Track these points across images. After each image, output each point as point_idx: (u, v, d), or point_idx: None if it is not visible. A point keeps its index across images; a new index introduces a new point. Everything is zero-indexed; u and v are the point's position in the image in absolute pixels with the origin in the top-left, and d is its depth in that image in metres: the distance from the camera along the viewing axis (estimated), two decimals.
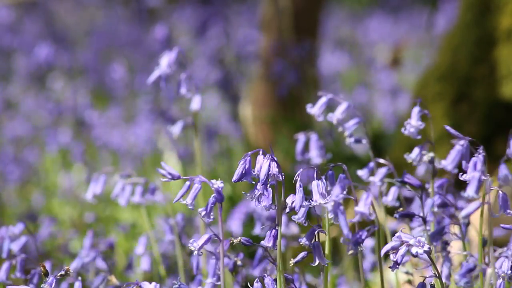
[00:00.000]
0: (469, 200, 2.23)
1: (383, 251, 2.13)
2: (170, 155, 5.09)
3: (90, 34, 8.97)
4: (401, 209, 2.33)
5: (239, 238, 2.26)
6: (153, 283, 2.14)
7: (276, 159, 2.20)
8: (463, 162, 2.21)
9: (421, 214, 2.34)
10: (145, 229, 4.26)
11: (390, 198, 2.57)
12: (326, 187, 2.19)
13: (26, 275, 2.58)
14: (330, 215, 2.10)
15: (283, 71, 5.14)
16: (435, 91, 4.07)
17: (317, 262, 2.23)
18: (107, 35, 9.00)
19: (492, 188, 2.25)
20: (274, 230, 2.24)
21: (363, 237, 2.16)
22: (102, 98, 7.18)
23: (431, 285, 2.23)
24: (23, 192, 5.35)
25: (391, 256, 2.12)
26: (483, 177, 2.16)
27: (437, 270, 2.19)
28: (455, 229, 2.44)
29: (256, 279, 2.25)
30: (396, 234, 2.13)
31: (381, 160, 2.55)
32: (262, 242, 2.24)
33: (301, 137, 2.88)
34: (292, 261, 2.26)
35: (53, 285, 2.25)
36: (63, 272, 2.28)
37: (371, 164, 2.56)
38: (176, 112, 4.95)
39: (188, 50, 7.16)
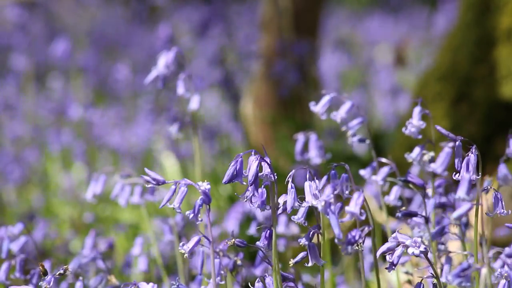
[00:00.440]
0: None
1: (379, 252, 2.13)
2: (168, 155, 5.09)
3: (91, 33, 8.97)
4: (403, 208, 2.32)
5: (233, 239, 2.25)
6: (151, 284, 2.13)
7: (268, 160, 2.19)
8: (457, 162, 2.20)
9: (423, 214, 2.33)
10: (145, 229, 4.26)
11: (392, 198, 2.56)
12: (319, 188, 2.18)
13: (26, 275, 2.58)
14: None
15: (284, 71, 5.14)
16: (435, 91, 4.07)
17: (312, 262, 2.23)
18: (107, 35, 9.00)
19: (484, 189, 2.25)
20: (268, 231, 2.23)
21: (356, 237, 2.15)
22: (103, 98, 7.18)
23: (433, 284, 2.23)
24: (23, 192, 5.35)
25: (388, 257, 2.12)
26: (474, 178, 2.15)
27: (435, 270, 2.18)
28: (455, 229, 2.44)
29: (257, 279, 2.25)
30: (393, 235, 2.12)
31: (383, 159, 2.55)
32: (257, 242, 2.23)
33: (300, 137, 2.88)
34: (292, 261, 2.25)
35: (51, 284, 2.24)
36: (61, 271, 2.28)
37: (374, 164, 2.56)
38: (176, 112, 4.95)
39: (189, 50, 7.17)
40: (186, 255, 2.19)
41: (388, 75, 6.62)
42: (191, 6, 9.61)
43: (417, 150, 2.39)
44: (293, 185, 2.19)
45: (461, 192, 2.10)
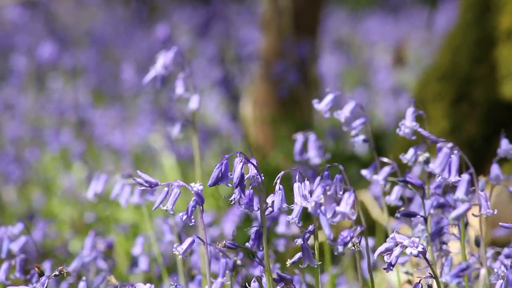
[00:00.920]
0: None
1: (377, 253, 2.13)
2: (168, 155, 5.09)
3: (91, 33, 8.97)
4: (402, 208, 2.32)
5: (224, 242, 2.25)
6: (148, 284, 2.13)
7: (254, 161, 2.18)
8: (440, 165, 2.19)
9: (422, 214, 2.33)
10: (145, 229, 4.26)
11: (393, 197, 2.56)
12: (314, 188, 2.17)
13: (26, 275, 2.58)
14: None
15: (284, 71, 5.14)
16: (435, 91, 4.07)
17: (306, 263, 2.22)
18: (107, 35, 9.00)
19: (480, 189, 2.25)
20: (256, 232, 2.23)
21: (348, 237, 2.14)
22: (103, 98, 7.18)
23: (428, 285, 2.23)
24: (23, 192, 5.35)
25: (386, 258, 2.11)
26: (456, 180, 2.15)
27: (433, 271, 2.18)
28: (454, 229, 2.44)
29: (253, 279, 2.25)
30: (391, 235, 2.12)
31: (385, 159, 2.55)
32: (247, 244, 2.23)
33: (299, 137, 2.87)
34: (288, 262, 2.25)
35: (45, 285, 2.24)
36: (57, 272, 2.27)
37: (375, 163, 2.56)
38: (176, 112, 4.95)
39: (189, 50, 7.17)
40: (180, 256, 2.18)
41: (388, 75, 6.62)
42: (191, 6, 9.61)
43: (411, 151, 2.39)
44: (281, 186, 2.18)
45: (460, 192, 2.10)
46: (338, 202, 2.13)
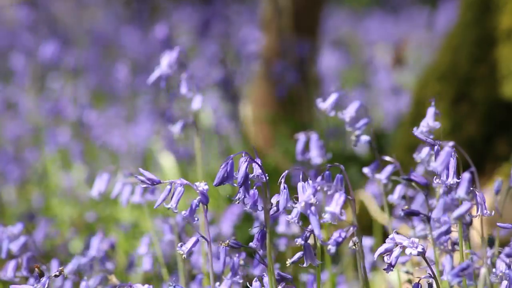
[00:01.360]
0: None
1: (376, 253, 2.12)
2: (167, 156, 5.09)
3: (90, 33, 8.97)
4: (406, 207, 2.32)
5: (227, 241, 2.25)
6: (146, 285, 2.13)
7: (259, 161, 2.18)
8: (438, 166, 2.19)
9: (425, 213, 2.33)
10: (145, 229, 4.26)
11: (396, 197, 2.56)
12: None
13: (32, 273, 2.58)
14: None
15: (283, 71, 5.14)
16: (435, 91, 4.07)
17: (307, 263, 2.22)
18: (107, 35, 9.00)
19: (495, 191, 2.25)
20: (261, 231, 2.23)
21: (340, 238, 2.14)
22: (102, 98, 7.18)
23: (429, 283, 2.23)
24: (23, 192, 5.35)
25: (385, 258, 2.11)
26: (454, 182, 2.15)
27: (432, 271, 2.18)
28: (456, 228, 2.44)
29: (255, 278, 2.25)
30: (390, 236, 2.12)
31: (387, 158, 2.55)
32: (250, 243, 2.23)
33: (301, 137, 2.87)
34: (288, 261, 2.25)
35: (46, 285, 2.23)
36: (57, 273, 2.27)
37: (376, 162, 2.56)
38: (176, 111, 4.95)
39: (189, 50, 7.16)
40: (184, 255, 2.18)
41: (387, 75, 6.62)
42: (191, 6, 9.61)
43: (426, 150, 2.38)
44: (285, 185, 2.19)
45: (461, 191, 2.10)
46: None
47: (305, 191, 2.15)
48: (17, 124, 6.14)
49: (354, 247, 2.18)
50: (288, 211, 2.20)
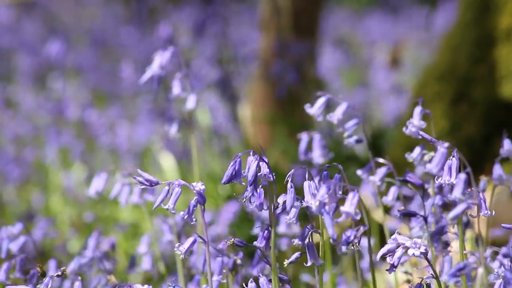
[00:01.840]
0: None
1: (379, 254, 2.13)
2: (167, 155, 5.09)
3: (90, 33, 8.97)
4: (402, 208, 2.32)
5: (232, 239, 2.25)
6: (146, 286, 2.13)
7: (266, 160, 2.19)
8: (440, 167, 2.19)
9: (422, 214, 2.33)
10: (144, 229, 4.27)
11: (390, 198, 2.56)
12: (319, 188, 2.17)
13: (25, 275, 2.58)
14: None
15: (283, 71, 5.14)
16: (434, 91, 4.07)
17: (311, 262, 2.22)
18: (106, 35, 9.00)
19: (481, 190, 2.25)
20: (266, 231, 2.23)
21: (351, 237, 2.15)
22: (102, 98, 7.18)
23: (426, 284, 2.23)
24: (23, 191, 5.35)
25: (388, 259, 2.11)
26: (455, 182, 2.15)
27: (434, 271, 2.18)
28: (454, 229, 2.44)
29: (251, 279, 2.25)
30: (392, 236, 2.12)
31: (381, 160, 2.55)
32: (255, 242, 2.23)
33: (304, 137, 2.88)
34: (286, 261, 2.25)
35: (49, 286, 2.24)
36: (59, 273, 2.27)
37: (370, 164, 2.56)
38: (175, 111, 4.96)
39: (188, 50, 7.17)
40: (182, 256, 2.19)
41: (387, 75, 6.62)
42: (190, 6, 9.61)
43: (417, 150, 2.38)
44: (292, 184, 2.19)
45: (457, 192, 2.10)
46: (336, 201, 2.13)
47: (311, 190, 2.16)
48: (17, 124, 6.14)
49: (352, 247, 2.18)
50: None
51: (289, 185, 2.19)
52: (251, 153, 2.18)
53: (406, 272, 2.71)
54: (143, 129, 5.94)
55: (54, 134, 5.77)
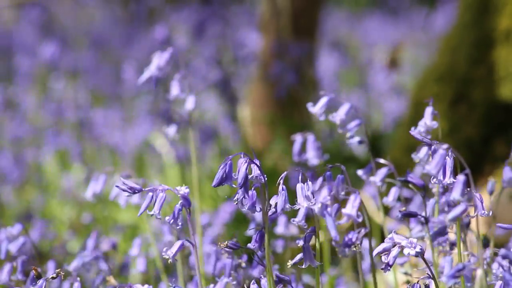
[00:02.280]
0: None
1: (375, 253, 2.13)
2: (167, 156, 5.09)
3: (89, 34, 8.97)
4: (403, 209, 2.32)
5: (226, 242, 2.25)
6: (146, 285, 2.13)
7: (258, 162, 2.18)
8: (435, 167, 2.19)
9: (423, 214, 2.33)
10: (143, 230, 4.26)
11: (390, 199, 2.56)
12: (315, 189, 2.17)
13: (27, 276, 2.58)
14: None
15: (282, 72, 5.15)
16: (433, 92, 4.07)
17: (307, 264, 2.22)
18: (106, 36, 9.00)
19: (489, 192, 2.25)
20: (259, 233, 2.23)
21: (353, 239, 2.15)
22: (102, 98, 7.19)
23: (425, 285, 2.23)
24: (22, 192, 5.35)
25: (383, 258, 2.11)
26: (452, 181, 2.15)
27: (431, 271, 2.18)
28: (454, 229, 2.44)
29: (253, 281, 2.25)
30: (389, 236, 2.12)
31: (382, 160, 2.55)
32: (249, 244, 2.23)
33: (298, 138, 2.87)
34: (290, 263, 2.25)
35: (43, 287, 2.24)
36: (54, 275, 2.27)
37: (371, 165, 2.56)
38: (174, 112, 4.96)
39: (187, 51, 7.17)
40: (170, 260, 2.18)
41: (386, 76, 6.62)
42: (189, 7, 9.62)
43: (424, 150, 2.38)
44: (284, 187, 2.19)
45: (456, 193, 2.10)
46: (339, 203, 2.13)
47: (304, 193, 2.15)
48: (17, 125, 6.14)
49: (354, 248, 2.18)
50: (293, 213, 2.20)
51: (280, 187, 2.19)
52: (241, 156, 2.17)
53: (406, 273, 2.71)
54: (142, 130, 5.95)
55: (53, 135, 5.77)
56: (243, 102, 5.44)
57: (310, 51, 5.23)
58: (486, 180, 3.84)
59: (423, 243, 2.51)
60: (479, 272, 2.06)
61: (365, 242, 3.13)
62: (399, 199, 2.57)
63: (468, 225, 2.39)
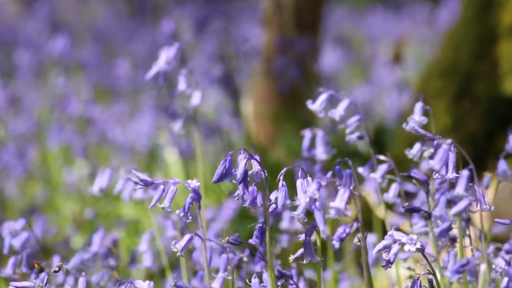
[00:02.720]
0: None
1: (375, 250, 2.13)
2: (171, 151, 5.10)
3: (92, 29, 8.97)
4: (406, 204, 2.32)
5: (227, 237, 2.25)
6: (147, 281, 2.13)
7: (258, 158, 2.18)
8: (437, 162, 2.19)
9: (425, 210, 2.33)
10: (146, 225, 4.27)
11: (391, 195, 2.56)
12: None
13: (31, 270, 2.59)
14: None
15: (285, 67, 5.14)
16: (437, 87, 4.07)
17: (308, 259, 2.22)
18: (109, 31, 9.00)
19: (484, 186, 2.25)
20: (260, 228, 2.22)
21: (344, 233, 2.14)
22: (105, 94, 7.19)
23: (429, 280, 2.23)
24: (25, 187, 5.36)
25: (384, 255, 2.11)
26: (454, 176, 2.15)
27: (431, 267, 2.18)
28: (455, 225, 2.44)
29: (254, 275, 2.24)
30: (389, 233, 2.12)
31: (382, 157, 2.55)
32: (250, 240, 2.22)
33: (307, 134, 2.88)
34: (291, 258, 2.25)
35: (45, 281, 2.24)
36: (56, 268, 2.27)
37: (372, 161, 2.56)
38: (178, 107, 4.96)
39: (191, 46, 7.17)
40: (178, 253, 2.18)
41: (390, 71, 6.62)
42: (192, 2, 9.61)
43: (417, 146, 2.38)
44: (284, 183, 2.18)
45: (460, 188, 2.10)
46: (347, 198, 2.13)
47: (304, 188, 2.14)
48: (20, 120, 6.15)
49: (359, 243, 2.18)
50: (293, 207, 2.20)
51: (280, 183, 2.18)
52: (241, 151, 2.17)
53: (408, 268, 2.72)
54: (146, 125, 5.95)
55: (56, 130, 5.78)
56: (246, 97, 5.44)
57: (313, 46, 5.23)
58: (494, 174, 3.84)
59: (425, 238, 2.51)
60: (483, 267, 2.06)
61: (369, 237, 3.14)
62: (399, 195, 2.57)
63: (468, 220, 2.39)
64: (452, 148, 2.16)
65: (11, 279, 2.60)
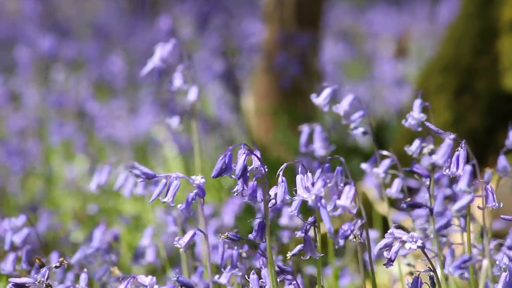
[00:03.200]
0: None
1: (376, 249, 2.12)
2: (171, 147, 5.09)
3: (92, 25, 8.97)
4: (408, 199, 2.32)
5: (226, 233, 2.24)
6: (149, 276, 2.13)
7: (258, 153, 2.17)
8: (447, 158, 2.18)
9: (427, 205, 2.32)
10: (147, 221, 4.27)
11: (394, 190, 2.56)
12: (314, 181, 2.15)
13: (31, 266, 2.59)
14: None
15: (286, 63, 5.14)
16: (437, 83, 4.07)
17: (308, 255, 2.21)
18: (108, 27, 8.99)
19: (485, 181, 2.24)
20: (259, 223, 2.22)
21: (348, 231, 2.14)
22: (104, 90, 7.19)
23: (430, 277, 2.23)
24: (26, 183, 5.36)
25: (385, 253, 2.11)
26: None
27: (431, 264, 2.18)
28: (457, 221, 2.44)
29: (252, 271, 2.24)
30: (389, 231, 2.11)
31: (385, 152, 2.55)
32: (250, 235, 2.22)
33: (305, 129, 2.87)
34: (289, 254, 2.25)
35: (46, 276, 2.24)
36: (58, 264, 2.27)
37: (375, 156, 2.56)
38: (178, 103, 4.96)
39: (191, 42, 7.17)
40: (181, 249, 2.18)
41: (391, 67, 6.61)
42: None
43: (416, 142, 2.38)
44: (284, 178, 2.17)
45: (463, 184, 2.10)
46: (339, 194, 2.12)
47: (303, 184, 2.14)
48: (20, 116, 6.14)
49: (354, 239, 2.17)
50: (290, 203, 2.19)
51: (280, 179, 2.17)
52: (241, 146, 2.16)
53: (409, 265, 2.72)
54: (145, 120, 5.94)
55: (56, 126, 5.78)
56: (247, 93, 5.44)
57: (315, 41, 5.22)
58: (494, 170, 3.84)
59: (426, 234, 2.50)
60: (485, 263, 2.06)
61: (370, 233, 3.13)
62: (402, 190, 2.56)
63: (465, 216, 2.39)
64: (463, 145, 2.16)
65: (11, 275, 2.60)
